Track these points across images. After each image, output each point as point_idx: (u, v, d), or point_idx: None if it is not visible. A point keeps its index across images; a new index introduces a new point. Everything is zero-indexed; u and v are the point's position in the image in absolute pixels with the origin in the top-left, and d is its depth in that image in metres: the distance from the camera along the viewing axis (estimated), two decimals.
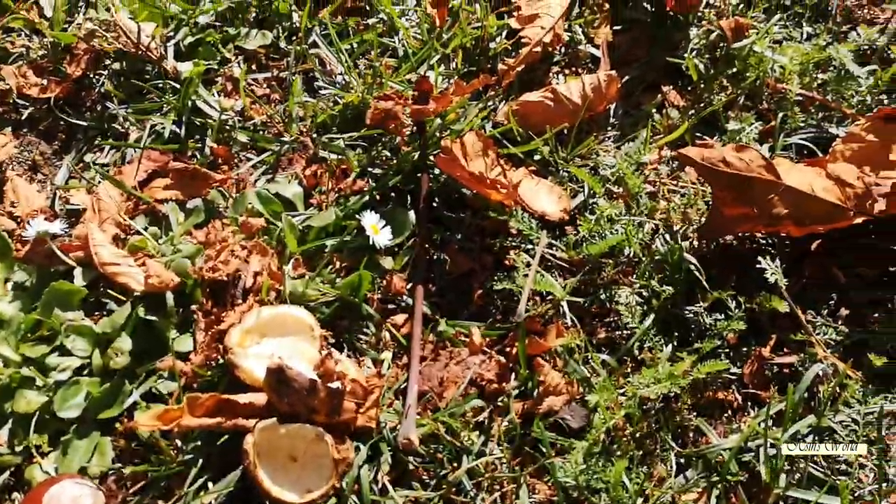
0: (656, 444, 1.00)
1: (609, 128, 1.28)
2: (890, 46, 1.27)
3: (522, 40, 1.28)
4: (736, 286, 1.09)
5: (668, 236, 1.13)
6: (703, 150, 1.06)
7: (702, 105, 1.27)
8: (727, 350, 1.06)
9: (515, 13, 1.32)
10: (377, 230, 1.13)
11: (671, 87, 1.30)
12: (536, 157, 1.24)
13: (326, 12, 1.39)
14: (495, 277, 1.11)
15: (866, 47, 1.28)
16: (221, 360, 1.04)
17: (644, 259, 1.10)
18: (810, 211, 1.06)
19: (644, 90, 1.31)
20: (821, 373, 1.02)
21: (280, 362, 0.96)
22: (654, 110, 1.28)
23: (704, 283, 1.05)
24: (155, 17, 1.36)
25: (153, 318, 1.08)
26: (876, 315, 1.07)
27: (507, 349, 1.08)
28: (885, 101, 1.24)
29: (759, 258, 1.04)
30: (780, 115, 1.22)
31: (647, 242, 1.13)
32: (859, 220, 1.07)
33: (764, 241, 1.15)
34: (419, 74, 1.31)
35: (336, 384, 0.96)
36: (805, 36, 1.33)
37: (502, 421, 1.02)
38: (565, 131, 1.24)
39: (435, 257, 1.17)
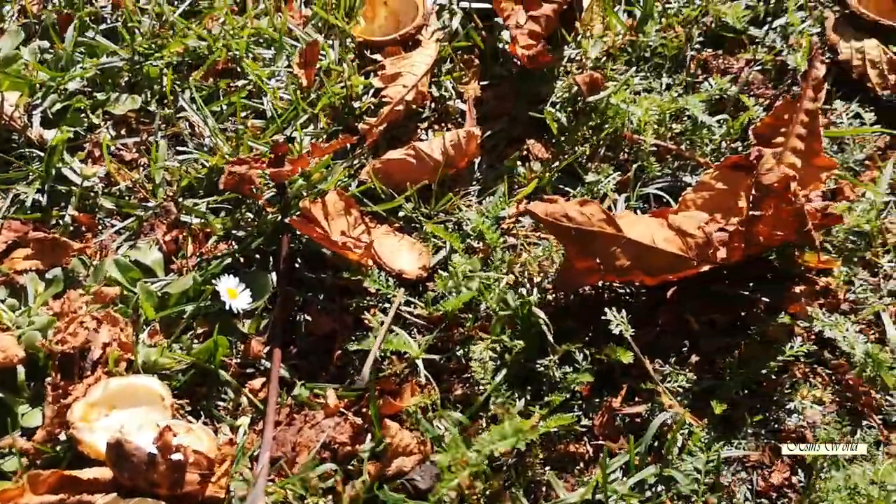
0: (508, 501, 1.00)
1: (474, 182, 1.30)
2: (741, 95, 1.30)
3: (384, 99, 1.30)
4: (592, 336, 1.11)
5: (524, 290, 1.15)
6: (548, 206, 1.08)
7: (565, 157, 1.29)
8: (580, 402, 1.07)
9: (380, 72, 1.34)
10: (235, 294, 1.13)
11: (535, 140, 1.32)
12: (401, 214, 1.25)
13: (196, 75, 1.40)
14: (353, 338, 1.12)
15: (719, 96, 1.31)
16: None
17: (499, 314, 1.11)
18: (652, 262, 1.08)
19: (509, 144, 1.33)
20: (670, 421, 1.04)
21: (119, 436, 0.95)
22: (518, 163, 1.30)
23: (550, 337, 1.06)
24: (20, 86, 1.36)
25: (0, 394, 1.07)
26: (725, 361, 1.09)
27: (364, 410, 1.08)
28: (739, 149, 1.28)
29: (606, 309, 1.06)
30: (636, 165, 1.24)
31: (503, 297, 1.14)
32: (706, 268, 1.10)
33: (622, 291, 1.17)
34: (286, 136, 1.32)
35: (177, 456, 0.95)
36: (664, 86, 1.36)
37: (353, 484, 1.01)
38: (433, 187, 1.25)
39: (297, 319, 1.17)
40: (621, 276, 1.10)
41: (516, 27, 1.29)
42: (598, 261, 1.07)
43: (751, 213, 1.05)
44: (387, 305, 1.15)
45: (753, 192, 1.05)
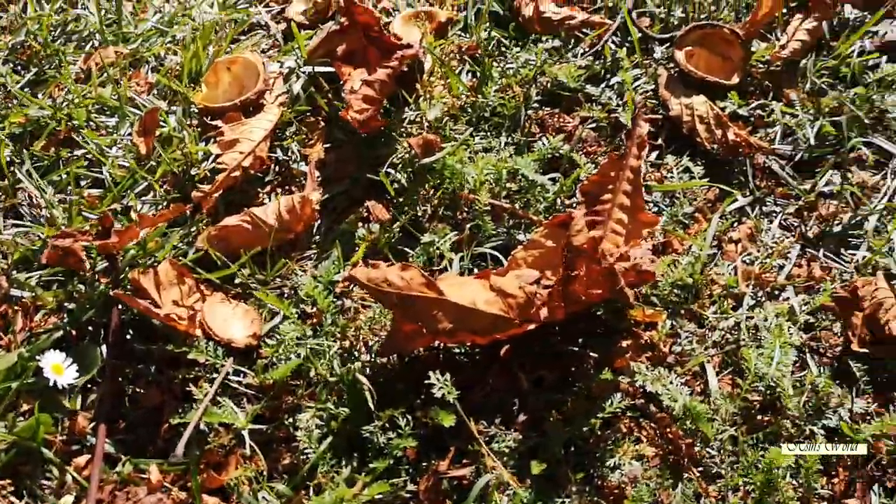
0: None
1: (313, 246, 1.30)
2: (572, 153, 1.34)
3: (220, 166, 1.30)
4: (424, 398, 1.11)
5: (356, 354, 1.15)
6: (370, 271, 1.08)
7: (406, 217, 1.30)
8: (407, 467, 1.07)
9: (218, 139, 1.34)
10: (61, 370, 1.11)
11: (376, 201, 1.33)
12: (237, 281, 1.24)
13: (37, 145, 1.38)
14: (179, 410, 1.11)
15: (551, 155, 1.34)
16: None
17: (328, 380, 1.11)
18: (475, 324, 1.09)
19: (351, 206, 1.34)
20: (494, 481, 1.04)
21: None
22: (359, 225, 1.30)
23: (371, 404, 1.06)
24: None
25: None
26: (551, 419, 1.10)
27: (189, 484, 1.07)
28: (574, 205, 1.31)
29: (430, 373, 1.06)
30: (469, 225, 1.26)
31: (331, 363, 1.13)
32: (532, 327, 1.11)
33: (457, 350, 1.18)
34: (123, 205, 1.31)
35: None
36: (503, 145, 1.38)
37: None
38: (271, 252, 1.25)
39: (127, 392, 1.15)
40: (450, 338, 1.11)
41: (350, 92, 1.31)
42: (421, 324, 1.08)
43: (565, 273, 1.08)
44: (216, 376, 1.14)
45: (566, 252, 1.07)
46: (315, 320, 1.19)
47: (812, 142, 1.38)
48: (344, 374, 1.10)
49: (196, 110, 1.43)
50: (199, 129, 1.40)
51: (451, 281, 1.11)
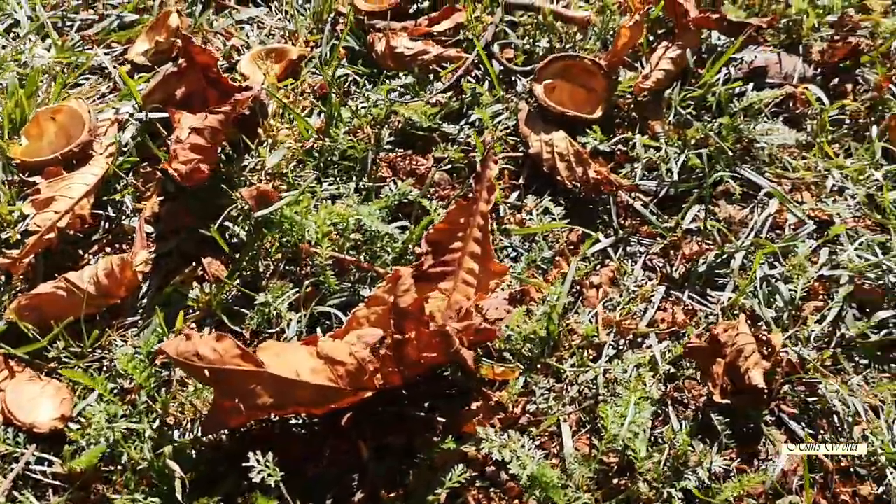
0: None
1: (141, 311, 1.19)
2: (421, 199, 1.25)
3: (32, 227, 1.18)
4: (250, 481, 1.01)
5: (172, 434, 1.04)
6: (180, 344, 0.97)
7: (238, 276, 1.20)
8: None
9: (33, 197, 1.22)
10: None
11: (213, 258, 1.22)
12: (52, 355, 1.12)
13: None
14: None
15: (398, 201, 1.25)
16: None
17: (140, 466, 1.00)
18: (300, 397, 0.99)
19: (185, 264, 1.23)
20: None
21: None
22: (193, 285, 1.20)
23: (179, 494, 0.95)
24: None
25: None
26: (393, 494, 1.01)
27: None
28: (422, 256, 1.21)
29: (250, 454, 0.95)
30: (310, 281, 1.16)
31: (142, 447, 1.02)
32: (368, 395, 1.02)
33: (294, 421, 1.08)
34: None
35: None
36: (353, 191, 1.29)
37: None
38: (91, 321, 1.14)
39: None
40: (277, 411, 1.01)
41: (177, 142, 1.20)
42: (237, 400, 0.97)
43: (395, 337, 0.98)
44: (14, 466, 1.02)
45: (393, 315, 0.98)
46: (133, 396, 1.08)
47: (676, 176, 1.31)
48: (153, 460, 0.98)
49: (13, 166, 1.30)
50: (19, 187, 1.28)
51: (273, 350, 1.01)
